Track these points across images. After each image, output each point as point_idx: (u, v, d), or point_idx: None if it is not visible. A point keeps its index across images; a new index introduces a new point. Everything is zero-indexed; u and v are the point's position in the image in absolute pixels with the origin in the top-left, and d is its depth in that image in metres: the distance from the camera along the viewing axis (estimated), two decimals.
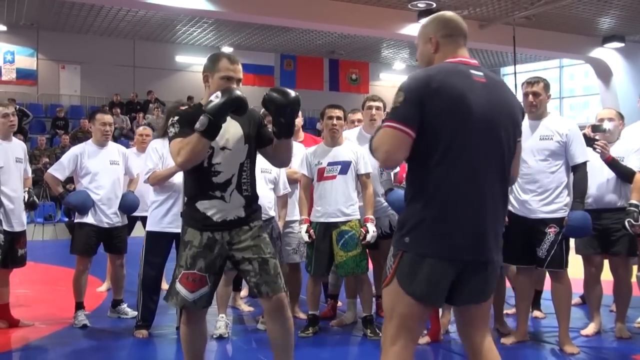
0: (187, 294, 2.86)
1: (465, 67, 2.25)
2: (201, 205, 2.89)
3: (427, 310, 2.24)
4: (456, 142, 2.13)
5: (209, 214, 2.88)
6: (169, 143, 2.87)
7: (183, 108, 3.07)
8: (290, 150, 3.06)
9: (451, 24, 2.34)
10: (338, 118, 4.47)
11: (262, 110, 3.32)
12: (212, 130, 2.70)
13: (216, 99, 2.71)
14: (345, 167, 4.40)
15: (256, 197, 3.04)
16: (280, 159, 3.12)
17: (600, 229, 4.29)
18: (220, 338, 4.38)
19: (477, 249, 2.17)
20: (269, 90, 2.87)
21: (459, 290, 2.20)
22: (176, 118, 2.87)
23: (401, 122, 2.13)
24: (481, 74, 2.25)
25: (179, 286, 2.88)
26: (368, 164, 4.45)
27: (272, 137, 2.98)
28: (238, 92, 2.75)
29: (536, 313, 5.00)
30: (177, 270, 2.91)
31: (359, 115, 5.25)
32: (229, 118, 2.84)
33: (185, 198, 3.03)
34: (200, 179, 2.90)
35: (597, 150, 4.20)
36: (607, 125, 4.28)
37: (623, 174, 4.25)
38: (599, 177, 4.32)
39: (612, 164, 4.23)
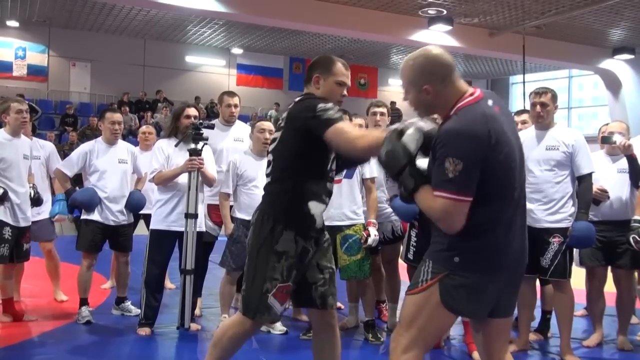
0: (279, 307, 2.70)
1: (483, 102, 2.21)
2: (313, 206, 2.71)
3: (451, 324, 2.34)
4: (507, 178, 2.20)
5: (316, 218, 2.74)
6: (331, 125, 2.54)
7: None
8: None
9: (438, 65, 2.21)
10: (360, 126, 4.50)
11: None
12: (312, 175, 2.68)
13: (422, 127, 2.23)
14: (350, 171, 4.42)
15: None
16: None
17: (605, 241, 4.30)
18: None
19: (519, 263, 2.33)
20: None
21: (498, 303, 2.28)
22: (329, 104, 2.62)
23: (463, 194, 2.09)
24: (492, 102, 2.23)
25: (272, 300, 2.66)
26: (373, 168, 4.46)
27: None
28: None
29: (532, 335, 4.54)
30: (268, 284, 2.65)
31: (359, 121, 5.28)
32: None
33: (289, 198, 2.72)
34: (319, 182, 2.72)
35: (620, 143, 4.22)
36: (617, 137, 4.29)
37: (637, 175, 4.25)
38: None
39: (633, 160, 4.24)
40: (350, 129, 2.58)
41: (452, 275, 2.18)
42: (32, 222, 4.98)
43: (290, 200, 2.70)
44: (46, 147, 5.52)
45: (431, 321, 2.22)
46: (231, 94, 5.07)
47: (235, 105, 5.02)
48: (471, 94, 2.22)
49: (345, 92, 2.84)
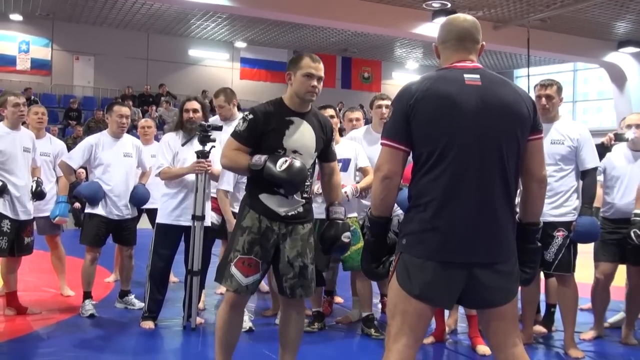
0: (241, 278, 2.95)
1: (459, 71, 2.22)
2: (264, 197, 2.99)
3: (429, 308, 2.23)
4: (446, 147, 2.14)
5: (271, 207, 2.98)
6: (231, 134, 3.02)
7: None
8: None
9: (445, 29, 2.35)
10: (331, 117, 4.43)
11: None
12: (258, 175, 2.90)
13: (279, 168, 2.85)
14: (345, 164, 4.40)
15: (311, 199, 3.18)
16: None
17: (619, 237, 4.26)
18: (250, 331, 4.40)
19: (472, 251, 2.15)
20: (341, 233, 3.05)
21: (470, 292, 2.20)
22: (251, 116, 2.98)
23: (391, 139, 2.22)
24: (476, 76, 2.21)
25: (234, 269, 2.95)
26: (366, 158, 4.46)
27: (329, 160, 3.19)
28: (296, 177, 2.88)
29: (537, 328, 4.61)
30: (232, 254, 2.98)
31: (357, 114, 5.25)
32: (305, 122, 3.03)
33: (247, 186, 3.10)
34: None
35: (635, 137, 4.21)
36: (629, 135, 4.27)
37: None
38: (621, 187, 4.31)
39: None
40: (227, 146, 3.01)
41: (403, 254, 2.21)
42: (39, 217, 4.98)
43: (250, 190, 3.07)
44: (57, 145, 5.52)
45: (409, 306, 2.18)
46: (216, 94, 5.03)
47: (220, 106, 4.98)
48: (455, 64, 2.27)
49: (315, 83, 2.99)
